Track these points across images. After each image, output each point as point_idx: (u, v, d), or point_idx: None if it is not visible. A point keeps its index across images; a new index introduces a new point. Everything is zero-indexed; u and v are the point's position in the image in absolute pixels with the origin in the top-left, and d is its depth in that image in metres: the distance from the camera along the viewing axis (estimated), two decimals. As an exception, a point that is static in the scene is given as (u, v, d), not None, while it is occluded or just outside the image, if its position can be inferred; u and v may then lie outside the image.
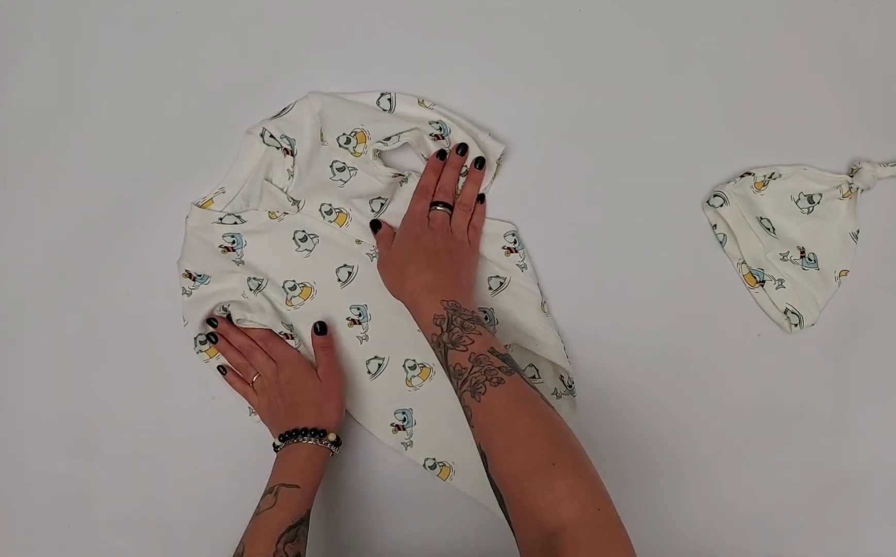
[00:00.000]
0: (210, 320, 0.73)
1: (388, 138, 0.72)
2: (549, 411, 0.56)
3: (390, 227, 0.74)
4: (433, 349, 0.64)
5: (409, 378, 0.75)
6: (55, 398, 0.77)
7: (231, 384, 0.75)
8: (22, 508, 0.78)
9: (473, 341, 0.60)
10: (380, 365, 0.75)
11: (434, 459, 0.74)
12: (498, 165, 0.74)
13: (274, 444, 0.70)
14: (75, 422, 0.77)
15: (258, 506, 0.65)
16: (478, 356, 0.59)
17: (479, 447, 0.58)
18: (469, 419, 0.58)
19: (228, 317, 0.73)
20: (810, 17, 0.76)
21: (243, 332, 0.73)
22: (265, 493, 0.66)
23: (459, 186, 0.74)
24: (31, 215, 0.78)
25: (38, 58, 0.78)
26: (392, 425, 0.75)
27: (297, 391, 0.70)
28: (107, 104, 0.77)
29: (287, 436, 0.68)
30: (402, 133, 0.72)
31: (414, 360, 0.75)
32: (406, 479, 0.76)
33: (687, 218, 0.76)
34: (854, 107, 0.76)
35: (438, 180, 0.73)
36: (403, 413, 0.75)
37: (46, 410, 0.77)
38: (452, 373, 0.60)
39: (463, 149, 0.72)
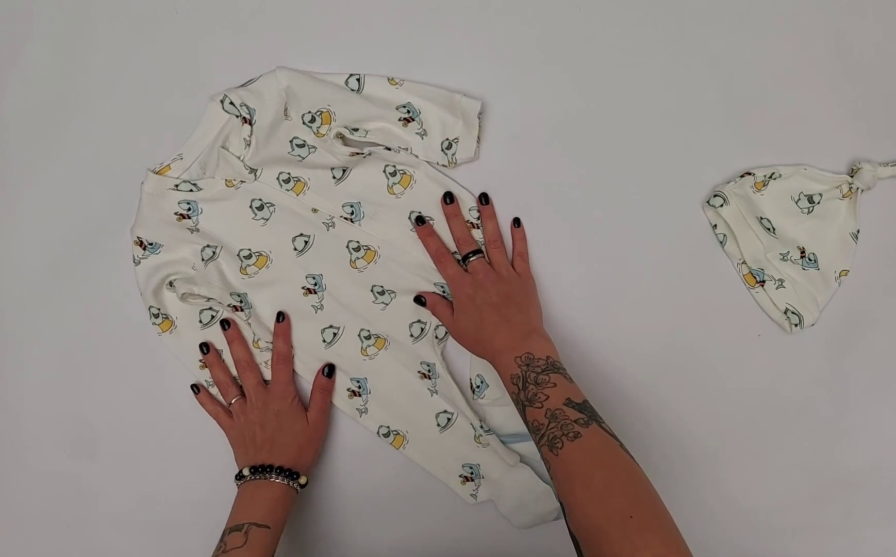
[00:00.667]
0: (202, 345, 0.74)
1: (356, 130, 0.72)
2: (628, 461, 0.57)
3: (436, 294, 0.74)
4: (515, 407, 0.64)
5: (364, 348, 0.74)
6: (55, 398, 0.77)
7: (202, 404, 0.74)
8: (22, 508, 0.78)
9: (548, 397, 0.61)
10: (335, 334, 0.74)
11: (388, 427, 0.74)
12: (479, 121, 0.73)
13: (240, 473, 0.69)
14: (75, 422, 0.77)
15: (224, 543, 0.63)
16: (553, 412, 0.59)
17: (558, 499, 0.59)
18: (549, 471, 0.59)
19: (225, 322, 0.74)
20: (810, 17, 0.76)
21: (247, 347, 0.74)
22: (231, 530, 0.64)
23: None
24: (31, 214, 0.78)
25: (38, 58, 0.78)
26: (348, 390, 0.75)
27: (283, 427, 0.70)
28: (107, 104, 0.77)
29: (260, 470, 0.68)
30: (368, 131, 0.72)
31: (369, 330, 0.74)
32: (403, 479, 0.76)
33: (687, 218, 0.76)
34: (854, 107, 0.76)
35: (452, 234, 0.73)
36: (358, 381, 0.75)
37: (46, 409, 0.77)
38: (531, 429, 0.62)
39: (450, 197, 0.73)
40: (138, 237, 0.73)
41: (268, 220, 0.74)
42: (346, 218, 0.74)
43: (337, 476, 0.76)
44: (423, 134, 0.73)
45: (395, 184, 0.74)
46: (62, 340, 0.77)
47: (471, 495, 0.74)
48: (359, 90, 0.73)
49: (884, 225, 0.76)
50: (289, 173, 0.73)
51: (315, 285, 0.74)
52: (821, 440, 0.76)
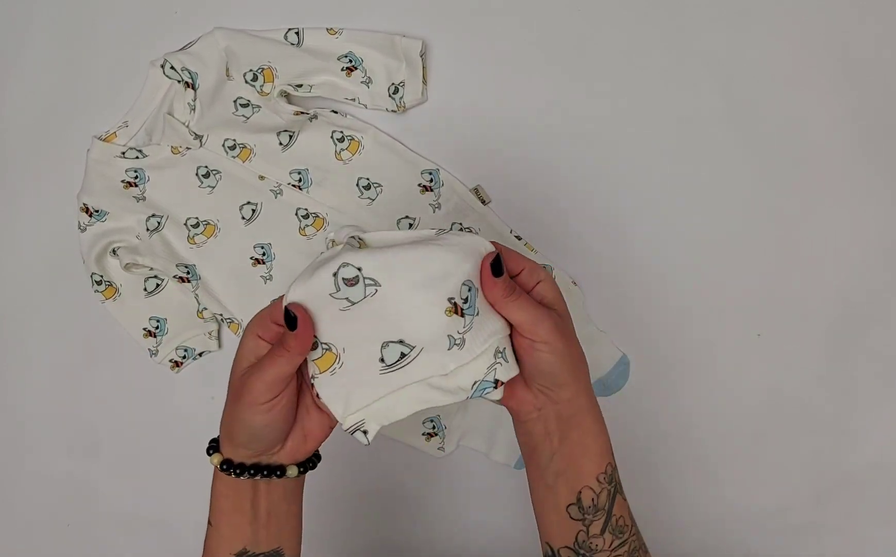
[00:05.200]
0: None
1: (300, 85, 0.72)
2: None
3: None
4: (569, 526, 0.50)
5: None
6: (55, 398, 0.77)
7: None
8: (22, 508, 0.78)
9: None
10: None
11: None
12: (422, 61, 0.73)
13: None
14: (75, 422, 0.77)
15: None
16: None
17: None
18: None
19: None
20: (810, 17, 0.76)
21: None
22: None
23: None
24: (32, 214, 0.78)
25: (38, 58, 0.78)
26: None
27: None
28: (106, 103, 0.77)
29: None
30: (313, 85, 0.72)
31: None
32: (403, 477, 0.76)
33: (686, 218, 0.76)
34: (854, 107, 0.76)
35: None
36: None
37: (47, 410, 0.77)
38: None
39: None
40: (84, 204, 0.73)
41: (214, 188, 0.73)
42: (293, 185, 0.74)
43: (333, 474, 0.76)
44: (368, 82, 0.73)
45: (342, 150, 0.74)
46: (63, 340, 0.77)
47: (438, 449, 0.74)
48: (298, 44, 0.73)
49: (884, 224, 0.76)
50: (234, 140, 0.73)
51: (264, 254, 0.74)
52: (822, 440, 0.76)
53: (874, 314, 0.76)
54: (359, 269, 0.44)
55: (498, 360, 0.46)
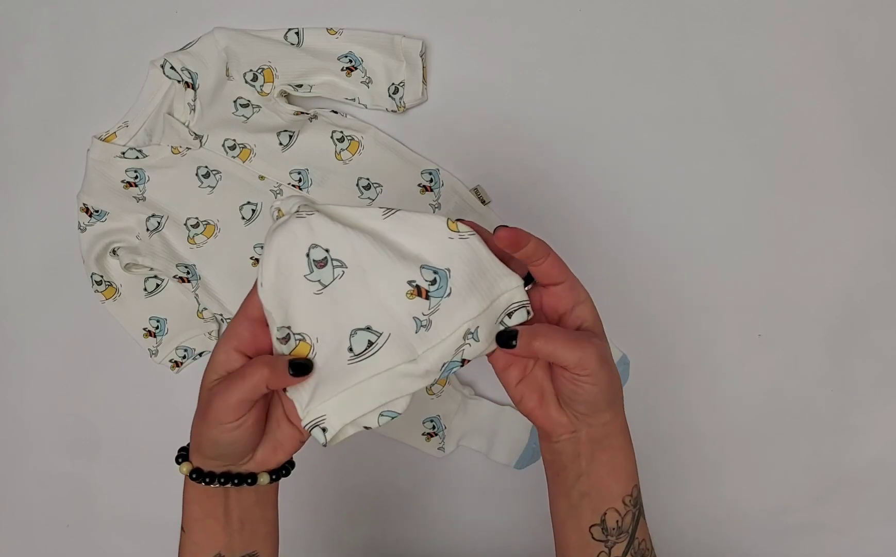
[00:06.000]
0: None
1: (300, 85, 0.72)
2: None
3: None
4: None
5: None
6: (56, 398, 0.77)
7: None
8: (22, 508, 0.78)
9: None
10: None
11: None
12: (423, 61, 0.73)
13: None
14: (76, 422, 0.77)
15: None
16: None
17: None
18: None
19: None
20: (810, 17, 0.76)
21: None
22: None
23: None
24: (32, 214, 0.78)
25: (38, 58, 0.78)
26: None
27: None
28: (106, 103, 0.77)
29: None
30: (313, 85, 0.72)
31: None
32: (403, 477, 0.76)
33: (687, 218, 0.76)
34: (854, 107, 0.76)
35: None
36: None
37: (47, 409, 0.77)
38: None
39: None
40: (84, 204, 0.73)
41: (214, 188, 0.74)
42: (293, 185, 0.74)
43: (333, 473, 0.76)
44: (368, 82, 0.73)
45: (342, 150, 0.74)
46: (63, 340, 0.77)
47: (438, 449, 0.74)
48: (298, 44, 0.72)
49: (884, 223, 0.76)
50: (234, 140, 0.73)
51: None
52: (823, 440, 0.76)
53: (875, 314, 0.76)
54: (326, 250, 0.44)
55: (467, 341, 0.46)
